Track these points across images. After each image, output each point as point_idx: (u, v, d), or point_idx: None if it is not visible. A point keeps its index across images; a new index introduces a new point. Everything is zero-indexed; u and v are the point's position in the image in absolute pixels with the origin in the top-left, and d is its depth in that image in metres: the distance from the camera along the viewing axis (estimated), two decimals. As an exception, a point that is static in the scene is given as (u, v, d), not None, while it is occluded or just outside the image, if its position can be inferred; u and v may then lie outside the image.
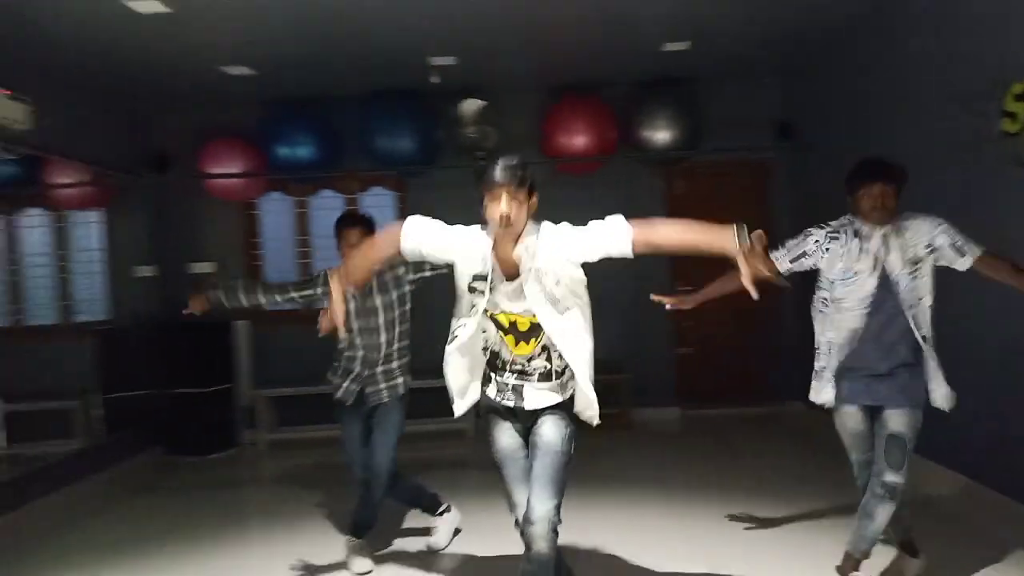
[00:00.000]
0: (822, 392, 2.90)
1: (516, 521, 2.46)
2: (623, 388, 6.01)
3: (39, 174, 5.92)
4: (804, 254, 2.88)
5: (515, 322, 2.40)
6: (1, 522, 4.22)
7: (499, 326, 2.42)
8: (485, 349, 2.51)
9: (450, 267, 2.48)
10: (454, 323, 2.51)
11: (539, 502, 2.32)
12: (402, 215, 6.31)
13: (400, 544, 3.73)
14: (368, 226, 3.34)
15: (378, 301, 3.31)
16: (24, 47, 4.55)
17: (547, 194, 6.52)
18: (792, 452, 5.20)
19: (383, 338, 3.32)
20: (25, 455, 5.43)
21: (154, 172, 6.13)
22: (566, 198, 6.15)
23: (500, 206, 2.29)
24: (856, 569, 2.84)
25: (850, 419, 2.85)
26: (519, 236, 2.37)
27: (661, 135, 5.82)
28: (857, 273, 2.77)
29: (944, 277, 2.79)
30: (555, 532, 2.34)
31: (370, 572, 3.36)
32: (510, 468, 2.48)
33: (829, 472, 4.13)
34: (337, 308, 2.57)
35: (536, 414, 2.44)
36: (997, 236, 3.04)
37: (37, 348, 6.39)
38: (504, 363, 2.47)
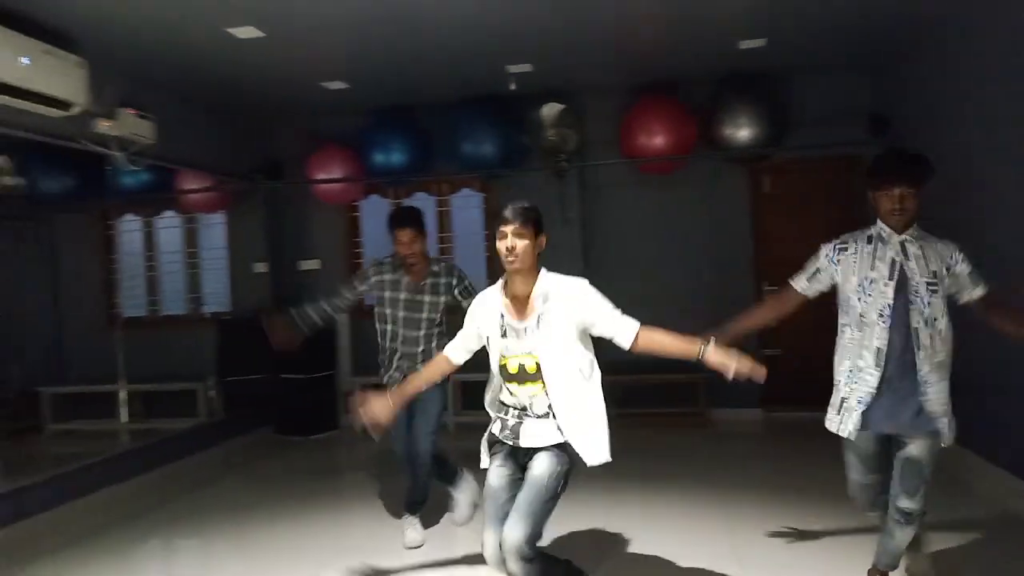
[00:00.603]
0: (844, 424, 2.76)
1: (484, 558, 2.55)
2: (701, 388, 6.02)
3: (171, 181, 6.70)
4: (818, 270, 2.83)
5: (522, 364, 2.52)
6: (133, 485, 4.92)
7: (505, 370, 2.56)
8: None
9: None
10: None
11: (511, 531, 2.37)
12: (488, 215, 6.67)
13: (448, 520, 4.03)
14: (418, 224, 3.58)
15: (427, 298, 3.59)
16: (150, 72, 5.19)
17: (628, 195, 6.66)
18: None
19: (422, 332, 3.61)
20: (156, 429, 6.21)
21: (268, 178, 6.73)
22: (647, 198, 6.32)
23: (507, 241, 2.49)
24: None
25: (863, 441, 2.75)
26: (531, 277, 2.55)
27: (742, 132, 5.75)
28: (873, 282, 2.68)
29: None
30: (527, 561, 2.37)
31: (420, 545, 3.65)
32: (489, 506, 2.56)
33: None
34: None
35: (532, 452, 2.52)
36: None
37: (170, 336, 7.23)
38: (507, 404, 2.60)
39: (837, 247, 2.80)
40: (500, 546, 2.42)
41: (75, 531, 4.16)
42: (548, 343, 2.48)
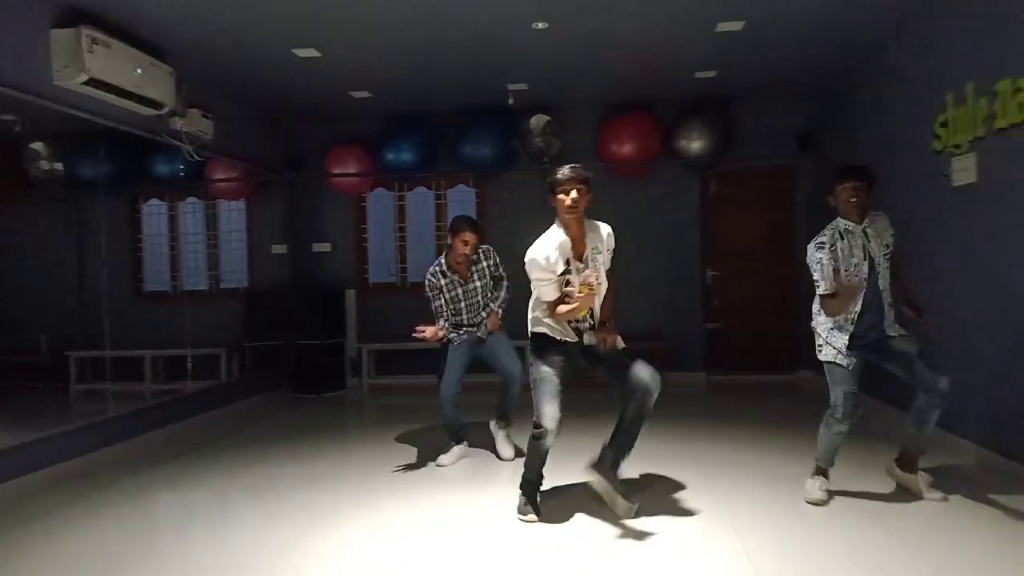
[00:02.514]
0: (839, 354, 3.61)
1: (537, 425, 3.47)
2: (659, 355, 7.26)
3: (197, 171, 7.59)
4: (835, 269, 3.55)
5: (590, 286, 3.39)
6: (158, 436, 5.59)
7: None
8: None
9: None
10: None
11: (648, 370, 3.50)
12: (481, 208, 7.78)
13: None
14: (479, 229, 4.61)
15: (477, 284, 4.66)
16: (214, 77, 6.16)
17: (605, 193, 7.89)
18: (793, 408, 6.28)
19: (482, 304, 4.68)
20: (180, 389, 7.07)
21: (291, 171, 7.71)
22: (617, 197, 7.55)
23: (572, 194, 3.41)
24: (916, 471, 3.70)
25: (857, 365, 3.59)
26: (582, 222, 3.47)
27: (695, 144, 7.02)
28: (856, 265, 3.55)
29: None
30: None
31: (512, 459, 4.64)
32: (553, 388, 3.47)
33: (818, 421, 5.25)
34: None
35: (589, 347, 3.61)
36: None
37: (191, 308, 8.12)
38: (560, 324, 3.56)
39: (827, 246, 3.57)
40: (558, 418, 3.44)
41: (104, 478, 4.50)
42: (600, 271, 3.53)
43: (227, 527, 3.64)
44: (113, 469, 4.73)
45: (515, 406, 4.77)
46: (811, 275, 3.67)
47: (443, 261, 4.66)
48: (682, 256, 7.56)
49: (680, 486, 4.04)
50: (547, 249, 3.46)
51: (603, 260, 3.59)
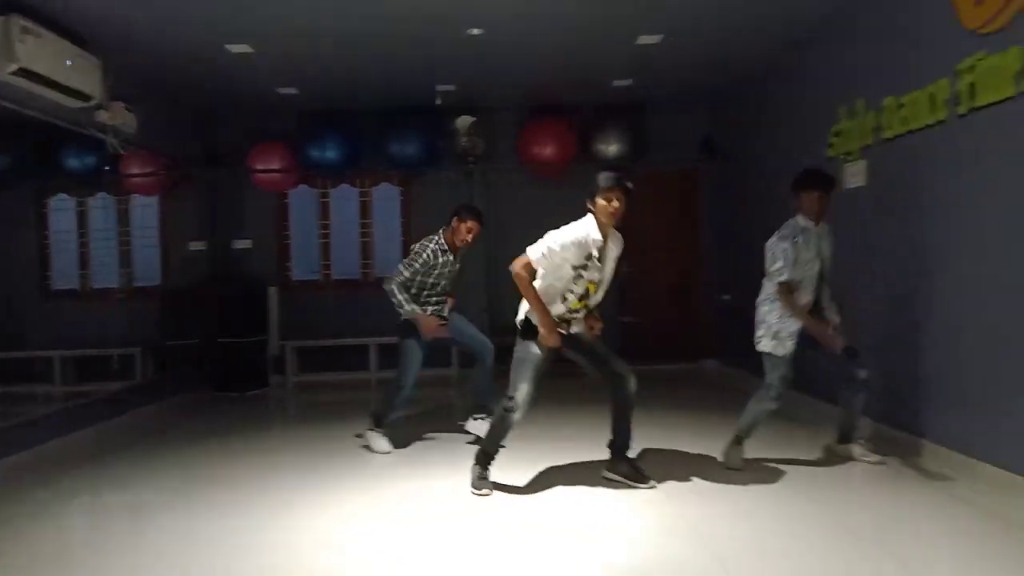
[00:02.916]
0: (784, 347, 3.93)
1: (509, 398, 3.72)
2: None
3: (111, 165, 7.37)
4: (791, 257, 3.89)
5: (589, 288, 3.72)
6: (80, 436, 5.22)
7: (583, 290, 3.70)
8: (565, 300, 3.73)
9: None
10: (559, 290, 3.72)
11: (626, 368, 3.85)
12: (405, 207, 7.91)
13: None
14: (481, 218, 4.77)
15: (457, 267, 4.85)
16: (138, 70, 6.03)
17: (522, 192, 8.21)
18: (701, 396, 6.81)
19: (450, 287, 4.87)
20: (92, 391, 6.78)
21: (210, 166, 7.60)
22: (539, 196, 7.87)
23: (615, 204, 3.59)
24: (851, 436, 4.17)
25: (791, 354, 3.96)
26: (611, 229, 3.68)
27: (611, 148, 7.46)
28: (810, 261, 3.93)
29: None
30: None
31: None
32: (535, 371, 3.69)
33: (730, 408, 5.74)
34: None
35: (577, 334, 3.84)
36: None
37: (102, 307, 7.86)
38: (572, 309, 3.76)
39: (790, 239, 3.92)
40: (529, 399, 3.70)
41: (8, 491, 4.07)
42: (606, 276, 3.80)
43: (147, 536, 3.37)
44: (18, 480, 4.28)
45: (490, 387, 4.87)
46: (766, 265, 4.00)
47: (443, 240, 4.75)
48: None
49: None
50: (584, 231, 3.65)
51: (610, 267, 3.81)
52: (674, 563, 2.88)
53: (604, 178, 3.67)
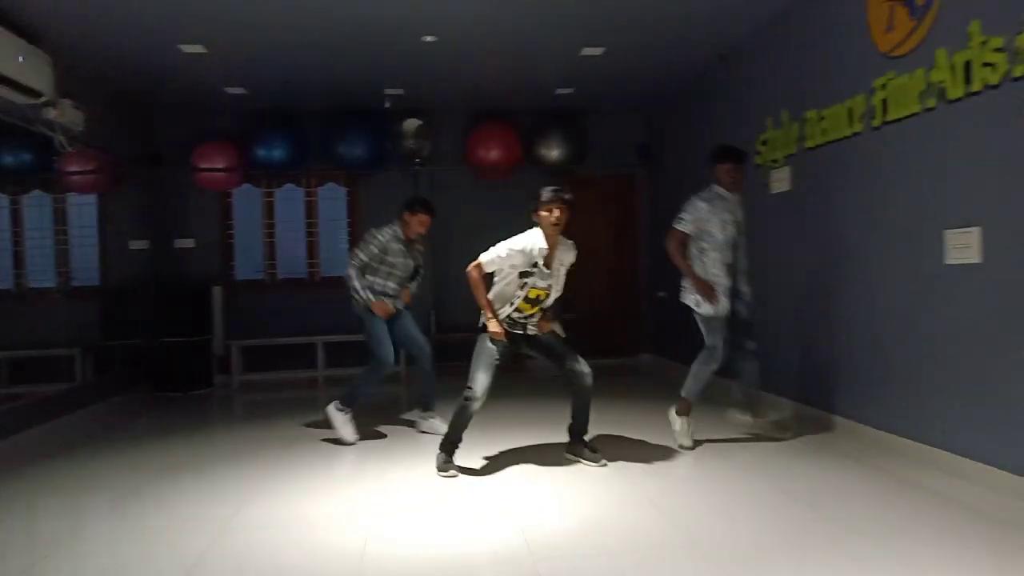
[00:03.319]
0: (721, 308, 4.38)
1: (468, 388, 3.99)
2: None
3: (48, 161, 7.25)
4: (699, 215, 4.37)
5: (539, 295, 4.02)
6: (18, 439, 5.12)
7: (532, 296, 4.00)
8: (512, 303, 4.04)
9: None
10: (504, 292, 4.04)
11: (583, 364, 4.15)
12: (352, 206, 8.03)
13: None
14: (432, 210, 4.97)
15: (411, 260, 5.01)
16: (87, 67, 6.00)
17: (469, 194, 8.43)
18: (639, 387, 7.20)
19: (405, 279, 5.03)
20: (34, 392, 6.68)
21: (152, 164, 7.55)
22: (484, 198, 8.12)
23: (557, 214, 3.87)
24: (751, 408, 4.61)
25: (726, 314, 4.41)
26: (557, 240, 3.96)
27: (554, 153, 7.78)
28: (726, 222, 4.40)
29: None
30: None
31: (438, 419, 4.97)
32: (490, 361, 3.98)
33: (665, 397, 6.12)
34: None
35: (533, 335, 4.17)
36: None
37: (38, 307, 7.68)
38: (520, 311, 4.06)
39: (704, 200, 4.41)
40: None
41: None
42: (558, 284, 4.10)
43: (84, 535, 3.31)
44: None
45: (433, 387, 5.11)
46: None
47: (399, 230, 4.91)
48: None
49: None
50: (528, 241, 3.95)
51: (562, 276, 4.12)
52: (637, 529, 3.18)
53: (545, 192, 3.98)
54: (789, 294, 5.34)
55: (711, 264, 4.46)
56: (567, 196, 3.98)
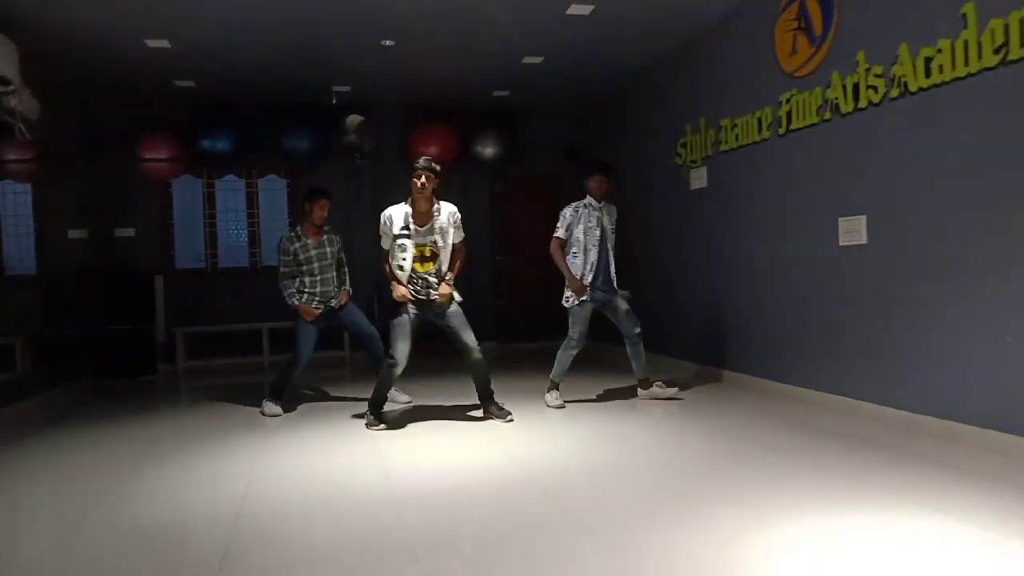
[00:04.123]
0: (585, 300, 5.04)
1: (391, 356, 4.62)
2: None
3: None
4: (571, 223, 5.12)
5: (423, 251, 4.64)
6: None
7: (416, 255, 4.61)
8: (401, 267, 4.65)
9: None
10: (397, 258, 4.65)
11: (472, 338, 4.70)
12: (292, 198, 8.34)
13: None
14: (328, 194, 5.38)
15: (327, 251, 5.34)
16: (33, 53, 6.09)
17: (408, 188, 8.79)
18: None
19: (332, 276, 5.39)
20: None
21: (92, 153, 7.61)
22: (421, 191, 8.58)
23: (422, 179, 4.52)
24: (651, 385, 5.25)
25: (587, 310, 5.09)
26: (430, 202, 4.62)
27: (488, 151, 8.38)
28: (590, 228, 5.05)
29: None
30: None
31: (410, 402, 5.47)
32: (405, 330, 4.58)
33: (580, 372, 6.80)
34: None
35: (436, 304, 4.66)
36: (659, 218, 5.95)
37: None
38: (417, 274, 4.64)
39: (575, 208, 5.10)
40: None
41: None
42: (440, 238, 4.63)
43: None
44: None
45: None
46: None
47: (298, 229, 5.34)
48: (475, 243, 8.85)
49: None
50: (389, 213, 4.68)
51: (446, 230, 4.66)
52: (549, 468, 3.83)
53: (416, 162, 4.61)
54: (708, 273, 6.17)
55: (577, 265, 5.11)
56: (434, 166, 4.63)
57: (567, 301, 5.17)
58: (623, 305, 5.22)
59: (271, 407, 5.34)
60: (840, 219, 4.61)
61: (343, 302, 5.47)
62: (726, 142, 5.83)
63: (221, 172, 8.30)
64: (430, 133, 8.17)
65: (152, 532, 3.00)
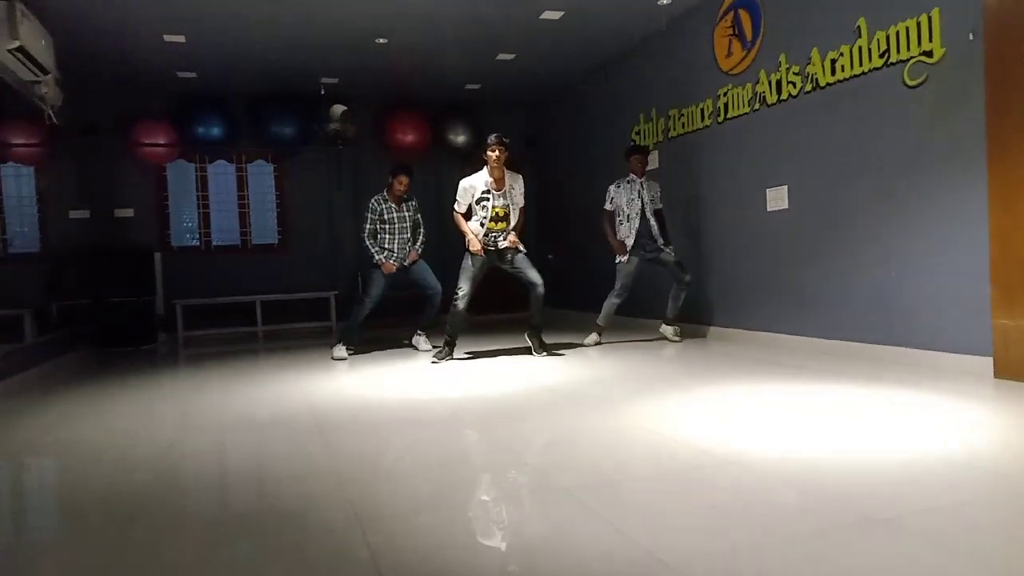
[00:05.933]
0: (631, 257, 6.09)
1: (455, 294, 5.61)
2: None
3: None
4: (614, 197, 6.16)
5: (498, 212, 5.55)
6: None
7: (493, 214, 5.54)
8: (482, 224, 5.57)
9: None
10: (477, 216, 5.57)
11: (539, 278, 5.66)
12: (279, 181, 9.07)
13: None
14: (411, 173, 6.32)
15: (405, 215, 6.29)
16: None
17: (386, 172, 9.60)
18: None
19: (407, 236, 6.33)
20: None
21: (87, 137, 8.20)
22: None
23: (496, 152, 5.45)
24: (672, 324, 6.25)
25: (633, 265, 6.11)
26: (503, 171, 5.55)
27: (459, 139, 9.26)
28: (632, 199, 6.08)
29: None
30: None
31: (429, 350, 6.18)
32: (474, 275, 5.57)
33: (558, 333, 7.77)
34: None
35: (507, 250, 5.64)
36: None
37: None
38: (493, 230, 5.59)
39: (616, 184, 6.16)
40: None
41: None
42: (512, 201, 5.58)
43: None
44: None
45: (433, 317, 6.53)
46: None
47: (384, 194, 6.27)
48: (449, 227, 9.72)
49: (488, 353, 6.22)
50: (471, 181, 5.63)
51: (515, 195, 5.65)
52: (583, 384, 4.79)
53: (489, 138, 5.57)
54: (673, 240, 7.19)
55: (623, 231, 6.17)
56: (505, 140, 5.60)
57: (617, 260, 6.20)
58: (670, 258, 6.13)
59: (339, 351, 6.13)
60: (767, 189, 5.69)
61: (413, 260, 6.33)
62: (674, 129, 6.87)
63: (212, 157, 8.95)
64: (406, 122, 9.00)
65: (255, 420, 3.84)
